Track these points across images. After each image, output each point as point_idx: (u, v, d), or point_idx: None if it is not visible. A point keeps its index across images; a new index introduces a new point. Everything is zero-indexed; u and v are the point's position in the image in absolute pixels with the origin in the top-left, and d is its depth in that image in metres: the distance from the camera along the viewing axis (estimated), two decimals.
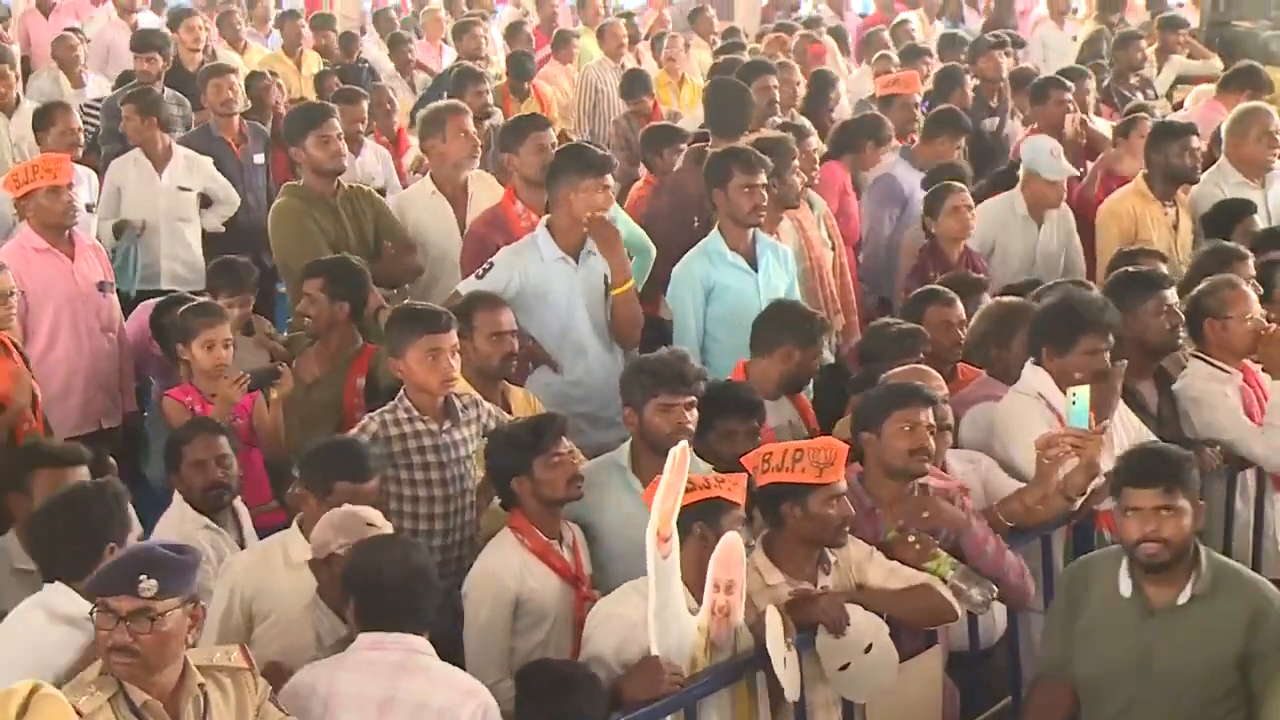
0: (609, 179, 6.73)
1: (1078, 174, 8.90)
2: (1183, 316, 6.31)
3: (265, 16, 16.14)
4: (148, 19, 15.53)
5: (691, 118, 10.37)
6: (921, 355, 6.11)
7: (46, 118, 8.97)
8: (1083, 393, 5.51)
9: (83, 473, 5.30)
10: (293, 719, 4.14)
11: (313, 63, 13.37)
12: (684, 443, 4.69)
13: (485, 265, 6.54)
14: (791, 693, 4.67)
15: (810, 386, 6.52)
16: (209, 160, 9.01)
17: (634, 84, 11.54)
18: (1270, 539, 6.25)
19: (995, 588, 5.13)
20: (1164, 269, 7.01)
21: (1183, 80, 12.51)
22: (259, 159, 9.55)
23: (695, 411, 5.43)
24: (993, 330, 6.41)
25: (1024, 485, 5.57)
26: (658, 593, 4.46)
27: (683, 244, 7.05)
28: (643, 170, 9.02)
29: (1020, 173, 8.44)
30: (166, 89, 10.19)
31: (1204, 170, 8.52)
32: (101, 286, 7.23)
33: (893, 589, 5.00)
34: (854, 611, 4.81)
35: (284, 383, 6.36)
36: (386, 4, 19.38)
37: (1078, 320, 5.85)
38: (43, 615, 4.41)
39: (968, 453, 5.85)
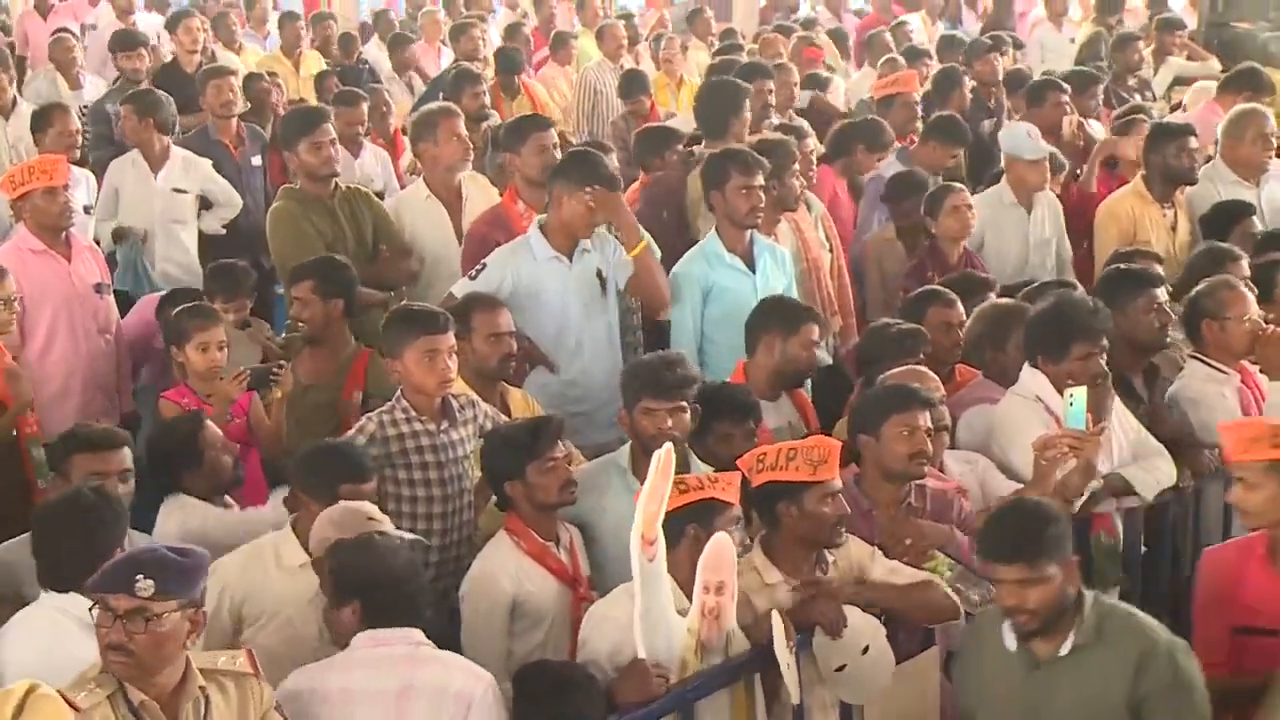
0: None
1: (1066, 165, 8.91)
2: (1172, 315, 6.31)
3: (263, 18, 16.13)
4: (147, 19, 15.54)
5: (685, 119, 10.35)
6: (921, 356, 6.11)
7: (44, 119, 8.93)
8: (1080, 394, 5.51)
9: (124, 456, 5.26)
10: None
11: (312, 63, 13.33)
12: (668, 446, 4.64)
13: (479, 265, 6.52)
14: (797, 695, 4.67)
15: (809, 387, 6.51)
16: (208, 162, 8.95)
17: (631, 84, 11.52)
18: None
19: (993, 588, 5.12)
20: (1160, 270, 7.01)
21: (1180, 81, 12.51)
22: (257, 161, 9.50)
23: (685, 416, 5.42)
24: (988, 332, 6.41)
25: (1022, 487, 5.56)
26: (643, 596, 4.46)
27: (665, 244, 7.00)
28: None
29: (1003, 161, 8.47)
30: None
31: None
32: (98, 288, 7.20)
33: (896, 584, 5.00)
34: (851, 613, 4.80)
35: (284, 383, 6.35)
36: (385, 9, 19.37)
37: (1069, 328, 5.84)
38: (60, 615, 4.41)
39: (965, 454, 5.85)
